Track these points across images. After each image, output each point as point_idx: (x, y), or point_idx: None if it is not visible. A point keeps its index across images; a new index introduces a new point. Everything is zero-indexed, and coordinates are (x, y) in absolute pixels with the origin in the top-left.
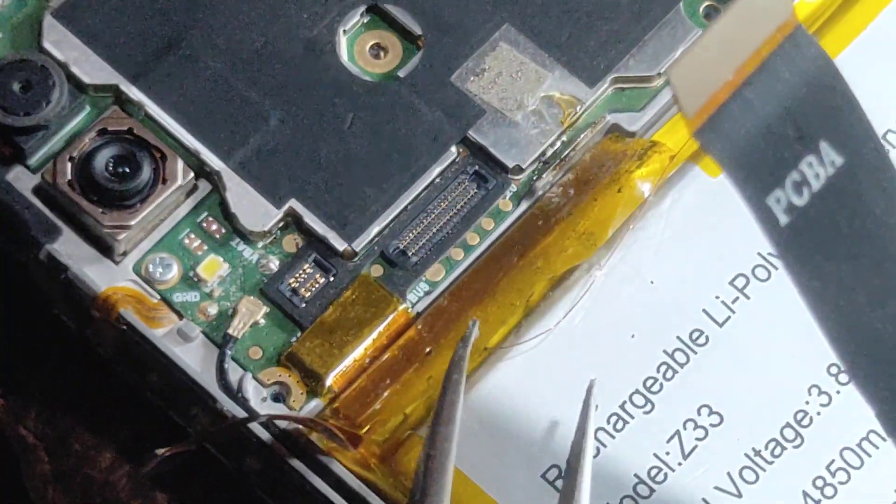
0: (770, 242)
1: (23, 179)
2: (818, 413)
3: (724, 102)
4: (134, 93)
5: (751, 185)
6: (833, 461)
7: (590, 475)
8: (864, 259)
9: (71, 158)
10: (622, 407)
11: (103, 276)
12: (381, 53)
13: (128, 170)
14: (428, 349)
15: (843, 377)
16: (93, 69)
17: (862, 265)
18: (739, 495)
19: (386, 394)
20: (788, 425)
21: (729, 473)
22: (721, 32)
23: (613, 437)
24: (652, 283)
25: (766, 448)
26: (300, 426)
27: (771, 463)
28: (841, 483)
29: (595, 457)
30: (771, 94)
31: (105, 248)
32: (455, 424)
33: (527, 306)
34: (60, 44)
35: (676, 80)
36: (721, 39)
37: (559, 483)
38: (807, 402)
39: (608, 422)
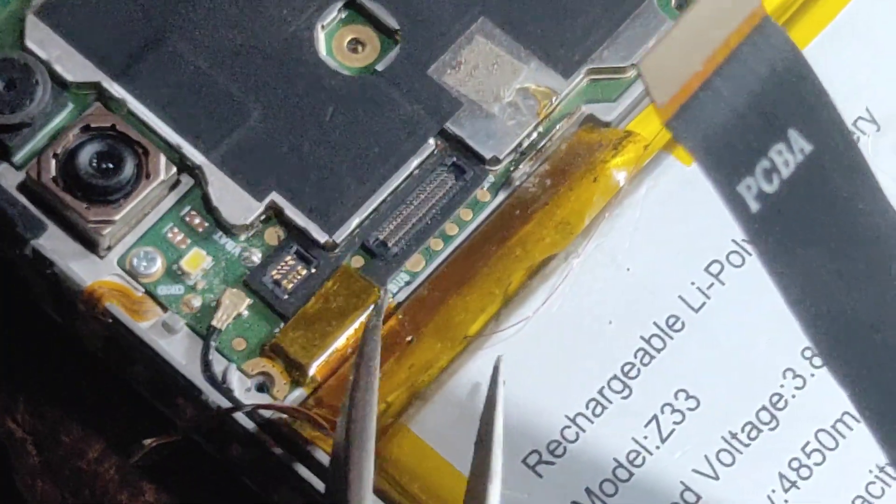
0: (742, 229)
1: (7, 176)
2: (793, 396)
3: (694, 93)
4: (116, 90)
5: (721, 174)
6: (808, 443)
7: (501, 451)
8: (834, 244)
9: (55, 155)
10: (600, 392)
11: (88, 271)
12: (359, 48)
13: (111, 165)
14: (409, 338)
15: (817, 360)
16: (75, 67)
17: (831, 250)
18: (717, 477)
19: None
20: (764, 408)
21: (706, 456)
22: (690, 24)
23: (592, 421)
24: (628, 270)
25: (743, 431)
26: (284, 415)
27: (747, 445)
28: (816, 464)
29: (574, 441)
30: (740, 84)
31: (90, 243)
32: (373, 393)
33: (506, 294)
34: (43, 42)
35: (647, 71)
36: (691, 31)
37: (540, 468)
38: (781, 386)
39: (587, 407)
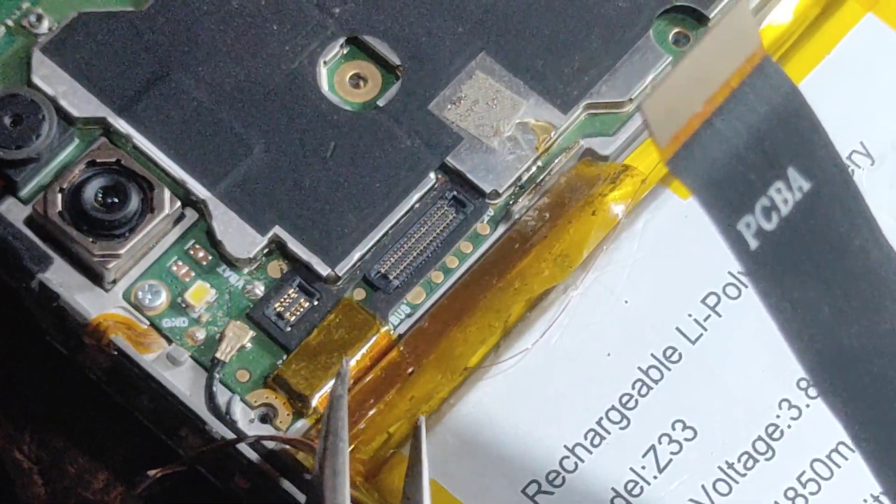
0: (741, 266)
1: (14, 211)
2: (789, 426)
3: (695, 132)
4: (121, 125)
5: (722, 212)
6: (804, 472)
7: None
8: (831, 279)
9: (61, 190)
10: (599, 423)
11: (94, 304)
12: (361, 83)
13: (116, 200)
14: (410, 370)
15: (813, 391)
16: (81, 103)
17: (828, 285)
18: None
19: (370, 413)
20: (760, 438)
21: (703, 486)
22: (691, 65)
23: (591, 451)
24: (626, 302)
25: (739, 461)
26: (287, 446)
27: (744, 475)
28: (812, 494)
29: (573, 471)
30: (740, 124)
31: (95, 277)
32: (344, 461)
33: (505, 327)
34: (49, 78)
35: (649, 112)
36: (691, 71)
37: (539, 498)
38: (777, 416)
39: (585, 437)
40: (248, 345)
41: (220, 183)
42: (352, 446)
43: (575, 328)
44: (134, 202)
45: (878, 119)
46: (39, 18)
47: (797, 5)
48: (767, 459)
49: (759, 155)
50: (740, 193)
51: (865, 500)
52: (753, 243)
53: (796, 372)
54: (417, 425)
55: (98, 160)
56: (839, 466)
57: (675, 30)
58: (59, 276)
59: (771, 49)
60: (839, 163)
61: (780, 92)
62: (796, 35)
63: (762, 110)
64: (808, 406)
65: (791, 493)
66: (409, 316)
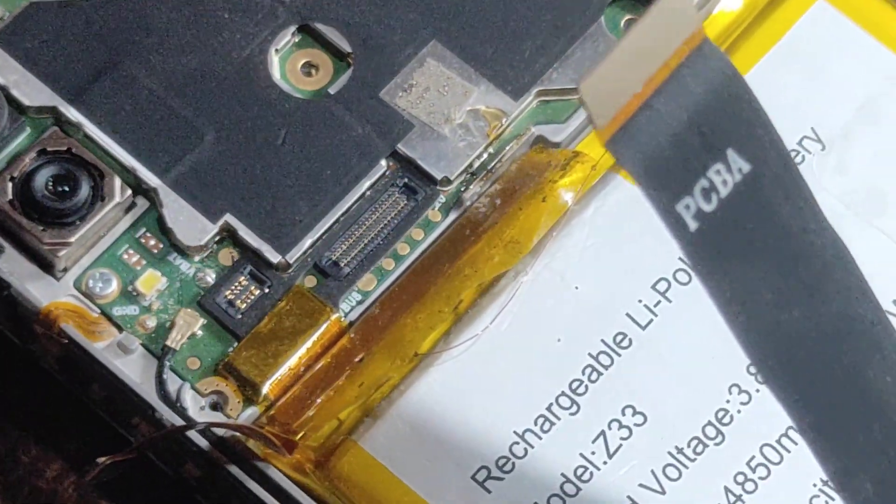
0: (681, 249)
1: None
2: (738, 411)
3: (634, 113)
4: (72, 114)
5: (660, 193)
6: (753, 457)
7: None
8: (771, 263)
9: (11, 178)
10: (549, 409)
11: (45, 292)
12: (313, 71)
13: (67, 188)
14: (360, 356)
15: (761, 376)
16: (32, 91)
17: (768, 269)
18: (663, 492)
19: (320, 400)
20: (710, 423)
21: (653, 471)
22: (630, 46)
23: (540, 437)
24: (577, 288)
25: (689, 446)
26: (237, 433)
27: (693, 460)
28: (761, 478)
29: (523, 457)
30: (679, 105)
31: (46, 265)
32: None
33: (456, 313)
34: (0, 67)
35: (587, 92)
36: (630, 52)
37: (489, 483)
38: (727, 401)
39: (535, 423)
40: (199, 332)
41: (170, 171)
42: (301, 433)
43: (525, 314)
44: (84, 190)
45: (829, 105)
46: None
47: None
48: (717, 444)
49: (698, 136)
50: (679, 175)
51: (815, 485)
52: (693, 224)
53: (746, 357)
54: None
55: (49, 149)
56: (789, 451)
57: (627, 17)
58: (10, 265)
59: (722, 36)
60: (780, 146)
61: (720, 73)
62: (747, 22)
63: (701, 91)
64: (757, 391)
65: (741, 478)
66: (360, 303)
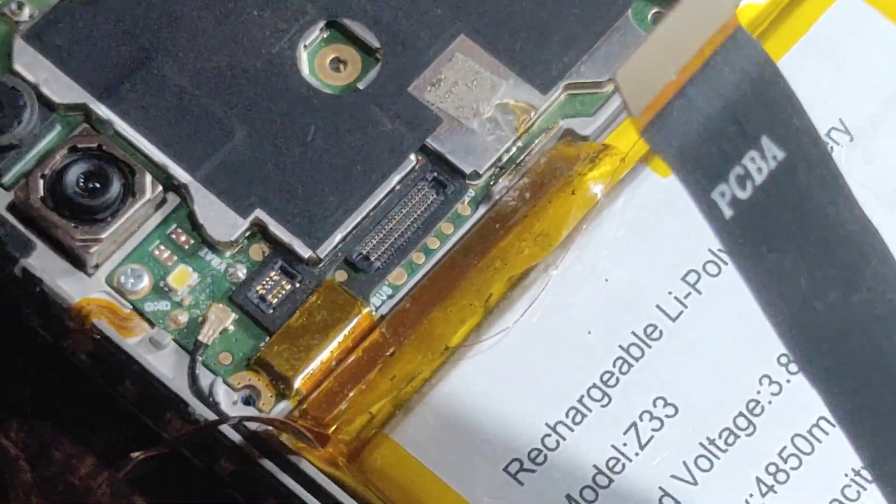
0: (716, 236)
1: None
2: (769, 402)
3: (669, 102)
4: (103, 111)
5: (696, 181)
6: (785, 448)
7: None
8: (807, 249)
9: (43, 175)
10: (580, 401)
11: (77, 289)
12: (341, 67)
13: (98, 185)
14: (391, 350)
15: (793, 366)
16: (62, 89)
17: (805, 255)
18: (695, 483)
19: (352, 394)
20: (741, 414)
21: (685, 462)
22: (664, 34)
23: (572, 429)
24: (607, 280)
25: (720, 437)
26: (270, 427)
27: (725, 451)
28: (793, 468)
29: (555, 449)
30: (713, 93)
31: (78, 261)
32: None
33: (486, 306)
34: (31, 65)
35: (622, 81)
36: (664, 41)
37: (521, 476)
38: (758, 392)
39: (567, 415)
40: (231, 327)
41: (201, 167)
42: (334, 427)
43: (556, 307)
44: (115, 187)
45: (857, 96)
46: (20, 6)
47: None
48: (748, 435)
49: (733, 124)
50: (714, 162)
51: (847, 475)
52: (728, 212)
53: (777, 348)
54: None
55: (79, 145)
56: (820, 441)
57: (654, 10)
58: (42, 262)
59: (750, 27)
60: (814, 133)
61: (753, 61)
62: (774, 14)
63: (735, 79)
64: (788, 381)
65: (772, 469)
66: (390, 297)
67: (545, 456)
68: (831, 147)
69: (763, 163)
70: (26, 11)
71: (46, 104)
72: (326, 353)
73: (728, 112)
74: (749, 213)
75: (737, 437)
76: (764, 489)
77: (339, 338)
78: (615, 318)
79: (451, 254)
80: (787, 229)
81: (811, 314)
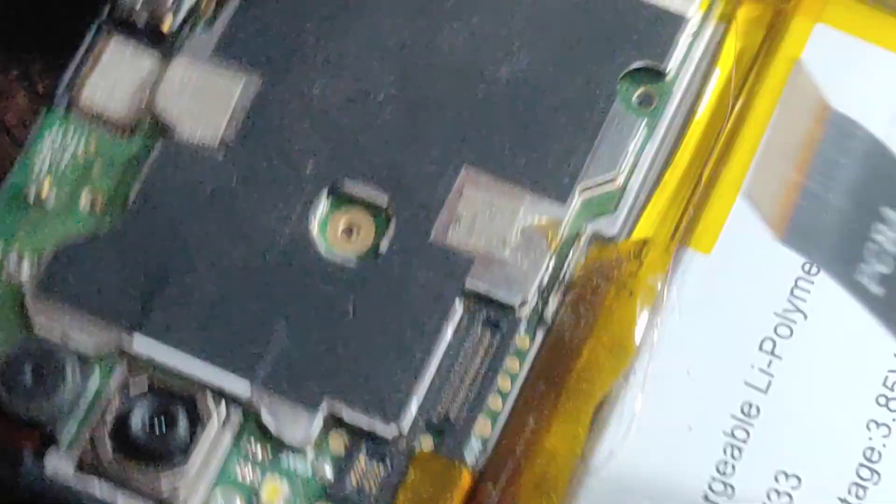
0: (873, 317)
1: (62, 466)
2: (883, 445)
3: (796, 203)
4: (140, 345)
5: (838, 267)
6: None
7: None
8: None
9: (107, 430)
10: (705, 499)
11: None
12: (355, 232)
13: (165, 424)
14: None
15: (894, 404)
16: (90, 337)
17: None
18: None
19: None
20: (862, 465)
21: None
22: (772, 139)
23: None
24: (688, 373)
25: (850, 492)
26: None
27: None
28: None
29: None
30: (832, 181)
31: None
32: None
33: (586, 432)
34: (51, 321)
35: (757, 198)
36: (773, 145)
37: None
38: (870, 438)
39: None
40: None
41: (256, 372)
42: None
43: (649, 414)
44: (182, 421)
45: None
46: (20, 260)
47: (731, 44)
48: (875, 484)
49: (854, 203)
50: (847, 245)
51: None
52: (877, 290)
53: (872, 389)
54: None
55: (131, 392)
56: None
57: (637, 92)
58: None
59: (730, 92)
60: None
61: (858, 140)
62: (753, 69)
63: (848, 162)
64: (894, 420)
65: None
66: (482, 451)
67: None
68: None
69: (892, 233)
70: (25, 266)
71: (80, 356)
72: None
73: (847, 193)
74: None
75: (865, 488)
76: None
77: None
78: (710, 406)
79: (525, 390)
80: None
81: None
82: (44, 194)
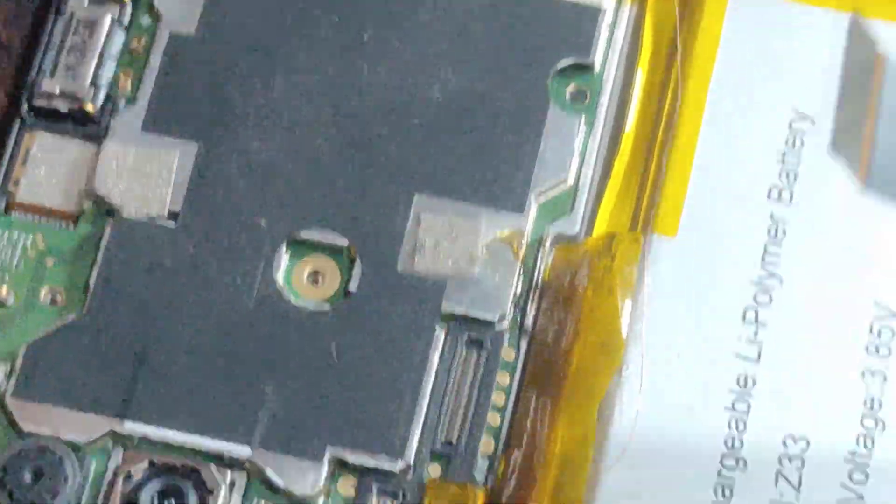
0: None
1: None
2: (882, 392)
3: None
4: (129, 428)
5: None
6: None
7: None
8: None
9: None
10: (719, 475)
11: None
12: (321, 277)
13: (174, 501)
14: None
15: (884, 349)
16: (79, 427)
17: None
18: (862, 498)
19: None
20: (864, 416)
21: (843, 483)
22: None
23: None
24: (679, 356)
25: (859, 443)
26: None
27: (871, 456)
28: None
29: None
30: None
31: None
32: None
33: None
34: (37, 419)
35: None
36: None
37: None
38: (868, 388)
39: (716, 494)
40: None
41: (254, 434)
42: None
43: (649, 403)
44: (191, 495)
45: (797, 79)
46: None
47: (649, 26)
48: (882, 431)
49: None
50: None
51: None
52: None
53: (860, 339)
54: None
55: (133, 474)
56: None
57: (569, 89)
58: None
59: (660, 74)
60: None
61: None
62: (677, 46)
63: None
64: (887, 367)
65: None
66: (490, 470)
67: None
68: (801, 140)
69: None
70: (0, 372)
71: (74, 447)
72: None
73: None
74: None
75: (872, 438)
76: None
77: None
78: (706, 386)
79: (520, 401)
80: None
81: None
82: (2, 298)
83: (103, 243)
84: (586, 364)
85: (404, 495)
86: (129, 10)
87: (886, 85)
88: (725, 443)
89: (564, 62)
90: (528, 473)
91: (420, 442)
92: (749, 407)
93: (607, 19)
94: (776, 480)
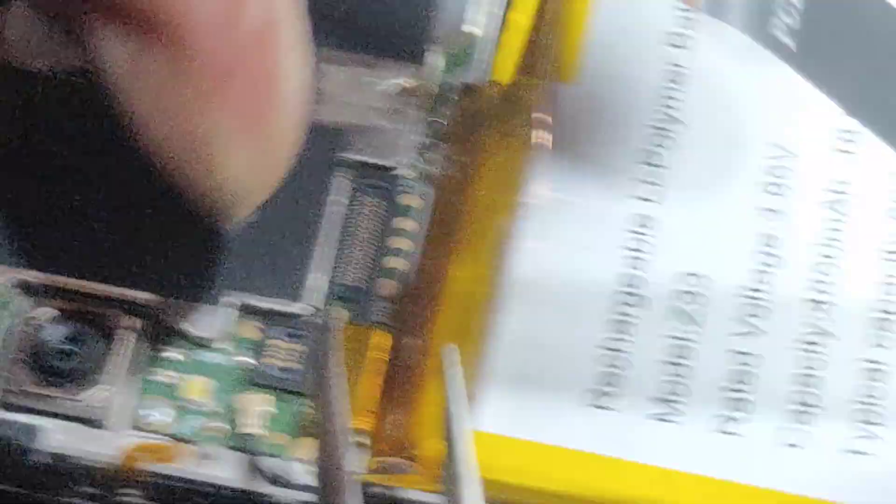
0: (792, 68)
1: None
2: (781, 230)
3: None
4: (35, 276)
5: (753, 24)
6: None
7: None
8: (874, 44)
9: (21, 359)
10: (618, 312)
11: (109, 447)
12: None
13: (78, 344)
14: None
15: (787, 191)
16: None
17: (873, 50)
18: (758, 333)
19: (413, 409)
20: (761, 252)
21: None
22: None
23: (629, 339)
24: (581, 194)
25: (755, 279)
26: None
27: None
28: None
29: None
30: None
31: (92, 423)
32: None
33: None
34: None
35: None
36: None
37: (603, 401)
38: (768, 224)
39: (613, 330)
40: (270, 408)
41: (158, 281)
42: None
43: (546, 240)
44: (94, 337)
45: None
46: None
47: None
48: (779, 267)
49: None
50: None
51: None
52: (791, 43)
53: (758, 177)
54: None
55: (37, 319)
56: None
57: None
58: (60, 440)
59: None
60: None
61: None
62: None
63: None
64: (788, 206)
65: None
66: (395, 313)
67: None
68: None
69: None
70: None
71: None
72: (370, 387)
73: None
74: (806, 35)
75: (770, 273)
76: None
77: (370, 368)
78: (603, 226)
79: (428, 246)
80: (844, 36)
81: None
82: None
83: None
84: (485, 204)
85: (307, 335)
86: None
87: None
88: (623, 280)
89: None
90: (430, 315)
91: (325, 285)
92: (646, 246)
93: None
94: (676, 316)
